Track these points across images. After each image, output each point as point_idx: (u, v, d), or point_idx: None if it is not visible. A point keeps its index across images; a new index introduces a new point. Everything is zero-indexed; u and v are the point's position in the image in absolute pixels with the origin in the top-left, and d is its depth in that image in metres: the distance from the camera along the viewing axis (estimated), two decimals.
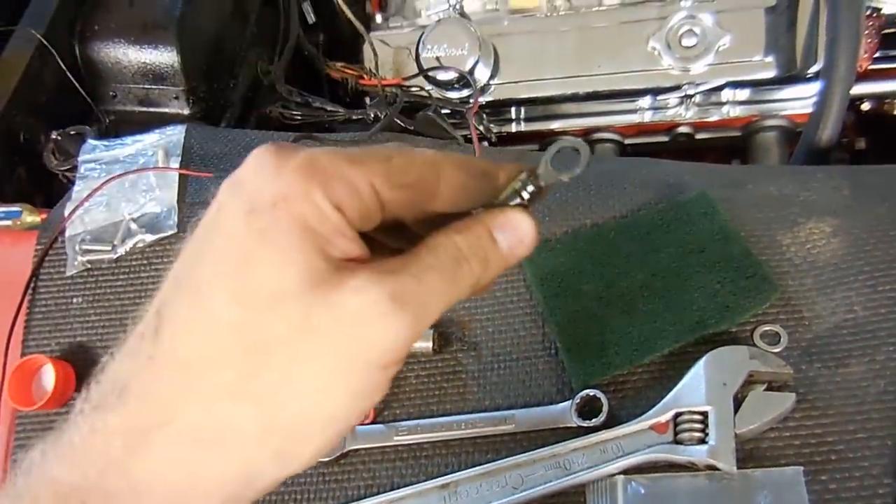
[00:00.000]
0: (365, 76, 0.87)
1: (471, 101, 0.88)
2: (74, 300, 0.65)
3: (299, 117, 0.88)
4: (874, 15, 0.77)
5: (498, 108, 0.95)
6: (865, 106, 0.90)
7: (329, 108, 0.88)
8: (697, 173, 0.58)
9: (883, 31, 0.78)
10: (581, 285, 0.53)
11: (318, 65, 0.92)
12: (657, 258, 0.53)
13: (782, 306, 0.49)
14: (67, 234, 0.67)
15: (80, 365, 0.63)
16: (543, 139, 0.97)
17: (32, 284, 0.66)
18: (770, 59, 0.80)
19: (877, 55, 0.79)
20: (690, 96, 0.86)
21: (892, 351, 0.45)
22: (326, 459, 0.54)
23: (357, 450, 0.54)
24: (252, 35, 0.92)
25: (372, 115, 0.86)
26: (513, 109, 0.97)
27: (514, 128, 0.97)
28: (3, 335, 0.64)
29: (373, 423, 0.54)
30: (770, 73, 0.82)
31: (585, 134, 0.94)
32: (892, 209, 0.51)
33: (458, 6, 0.90)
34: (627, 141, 0.94)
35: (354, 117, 0.87)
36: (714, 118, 0.88)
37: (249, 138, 0.76)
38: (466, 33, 0.83)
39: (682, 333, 0.49)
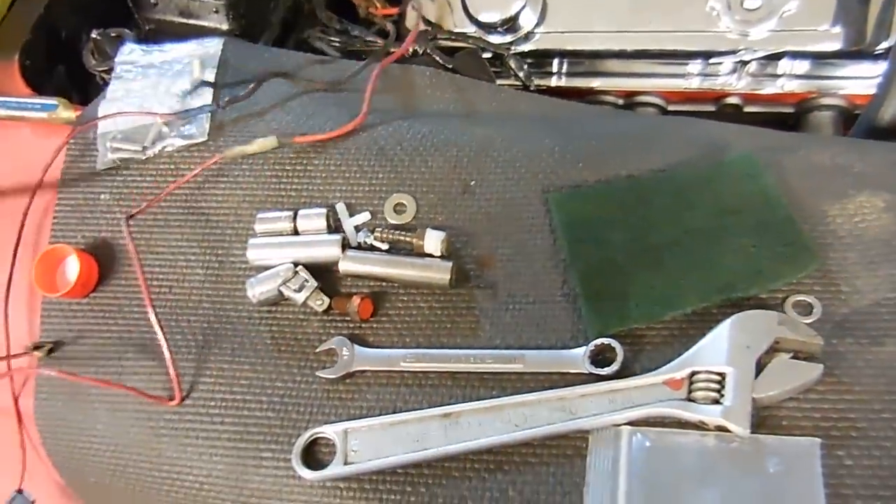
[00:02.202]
0: (377, 5, 0.82)
1: (513, 47, 0.84)
2: (102, 196, 0.64)
3: (337, 44, 0.84)
4: None
5: (540, 59, 0.91)
6: None
7: (368, 38, 0.84)
8: (745, 135, 0.55)
9: None
10: (608, 234, 0.50)
11: None
12: (691, 215, 0.49)
13: (819, 278, 0.46)
14: (100, 130, 0.66)
15: (104, 259, 0.62)
16: (583, 96, 0.92)
17: (62, 177, 0.65)
18: (837, 30, 0.74)
19: None
20: (745, 64, 0.80)
21: None
22: (332, 377, 0.53)
23: (363, 371, 0.53)
24: None
25: (411, 51, 0.82)
26: (555, 62, 0.92)
27: (553, 81, 0.92)
28: (35, 225, 0.64)
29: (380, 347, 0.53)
30: (835, 46, 0.76)
31: (627, 96, 0.89)
32: None
33: None
34: (670, 107, 0.89)
35: (392, 49, 0.83)
36: (767, 91, 0.83)
37: (284, 59, 0.73)
38: None
39: (707, 293, 0.46)
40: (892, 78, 0.62)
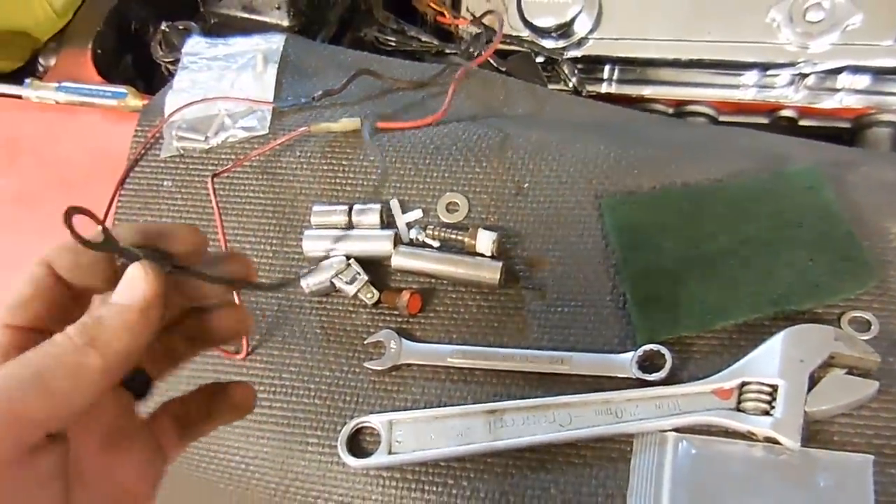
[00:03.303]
0: (446, 13, 0.84)
1: (566, 52, 0.85)
2: (165, 182, 0.67)
3: (393, 43, 0.87)
4: None
5: (591, 65, 0.91)
6: None
7: (423, 38, 0.86)
8: (805, 148, 0.55)
9: None
10: (662, 241, 0.51)
11: None
12: (748, 226, 0.50)
13: (878, 295, 0.45)
14: (167, 120, 0.69)
15: None
16: (632, 104, 0.92)
17: (129, 163, 0.68)
18: None
19: None
20: (803, 77, 0.80)
21: None
22: (379, 368, 0.54)
23: (410, 365, 0.54)
24: None
25: (472, 51, 0.84)
26: (606, 68, 0.92)
27: (604, 88, 0.92)
28: (102, 207, 0.67)
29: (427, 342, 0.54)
30: None
31: (677, 105, 0.89)
32: None
33: None
34: (722, 118, 0.88)
35: (447, 51, 0.85)
36: (825, 105, 0.82)
37: (343, 56, 0.75)
38: None
39: (761, 305, 0.46)
40: None
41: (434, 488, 0.48)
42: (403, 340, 0.55)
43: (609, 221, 0.53)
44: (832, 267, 0.46)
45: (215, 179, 0.65)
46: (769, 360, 0.43)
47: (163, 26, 0.78)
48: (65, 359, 0.26)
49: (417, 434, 0.50)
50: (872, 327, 0.44)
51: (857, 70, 0.77)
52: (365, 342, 0.56)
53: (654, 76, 0.89)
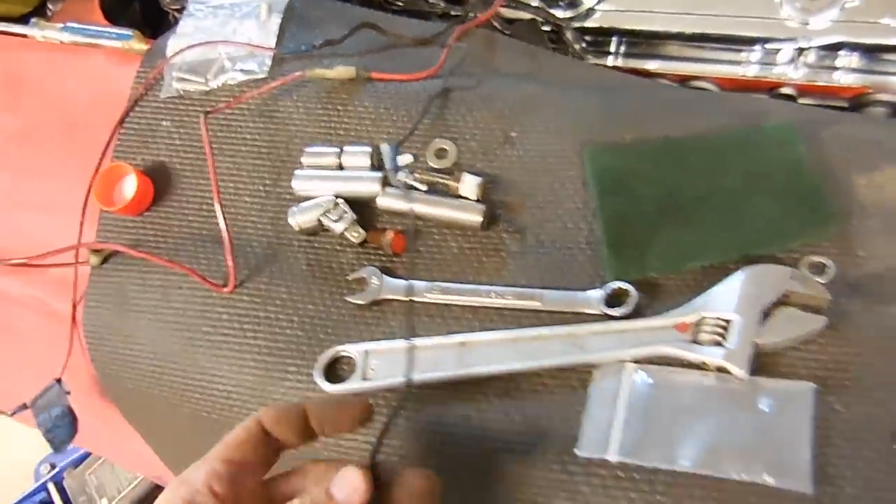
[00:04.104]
0: None
1: (573, 22, 0.89)
2: (164, 122, 0.73)
3: (401, 4, 0.91)
4: None
5: (599, 37, 0.95)
6: None
7: None
8: (787, 108, 0.59)
9: None
10: (639, 188, 0.55)
11: None
12: (722, 176, 0.54)
13: (839, 241, 0.50)
14: (169, 62, 0.74)
15: (160, 181, 0.71)
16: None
17: (130, 103, 0.73)
18: None
19: None
20: (802, 52, 0.83)
21: None
22: (360, 303, 0.59)
23: (389, 300, 0.59)
24: None
25: (471, 14, 0.88)
26: (614, 41, 0.96)
27: (610, 61, 0.97)
28: (102, 143, 0.72)
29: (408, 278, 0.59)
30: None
31: (681, 81, 0.93)
32: None
33: None
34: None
35: (453, 13, 0.89)
36: (822, 82, 0.85)
37: (349, 11, 0.80)
38: None
39: (727, 249, 0.51)
40: None
41: (402, 412, 0.53)
42: (385, 277, 0.60)
43: (590, 168, 0.57)
44: (797, 215, 0.51)
45: (211, 120, 0.70)
46: (727, 297, 0.48)
47: None
48: None
49: (391, 363, 0.55)
50: (828, 270, 0.48)
51: (855, 48, 0.81)
52: (348, 278, 0.61)
53: (659, 51, 0.93)
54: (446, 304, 0.57)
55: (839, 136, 0.55)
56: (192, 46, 0.73)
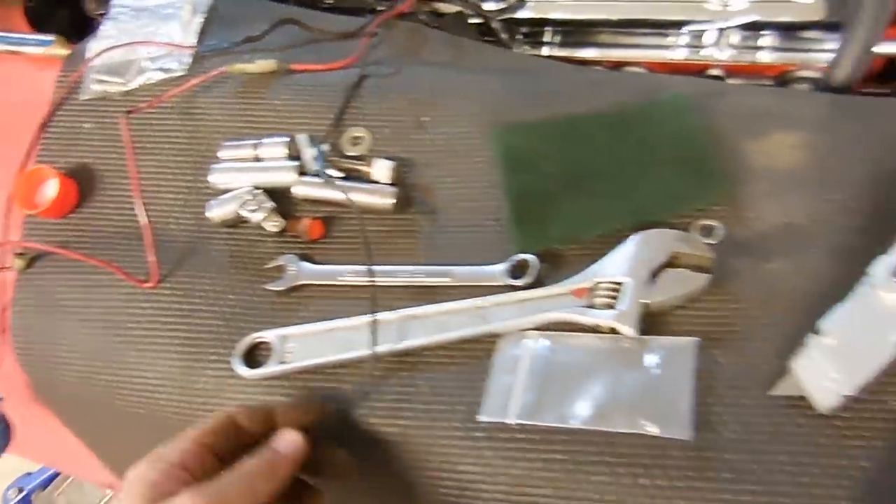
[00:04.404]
0: None
1: (506, 13, 0.92)
2: (85, 125, 0.74)
3: (331, 1, 0.94)
4: None
5: (535, 28, 0.98)
6: None
7: None
8: (685, 83, 0.62)
9: None
10: (542, 165, 0.58)
11: None
12: (620, 148, 0.57)
13: (729, 205, 0.53)
14: (89, 64, 0.76)
15: (84, 182, 0.73)
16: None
17: (51, 107, 0.75)
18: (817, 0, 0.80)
19: None
20: (722, 32, 0.87)
21: (815, 253, 0.48)
22: (278, 289, 0.61)
23: (308, 284, 0.61)
24: None
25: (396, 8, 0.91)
26: (549, 32, 0.99)
27: (545, 51, 1.00)
28: (23, 148, 0.74)
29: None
30: (815, 16, 0.82)
31: (615, 67, 0.96)
32: (862, 132, 0.53)
33: None
34: None
35: (379, 8, 0.92)
36: (747, 62, 0.89)
37: (276, 10, 0.82)
38: None
39: (623, 218, 0.53)
40: (844, 45, 0.68)
41: (320, 392, 0.55)
42: (302, 263, 0.62)
43: (496, 148, 0.60)
44: (689, 182, 0.53)
45: (133, 119, 0.72)
46: (620, 262, 0.50)
47: None
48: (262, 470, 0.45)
49: (307, 345, 0.57)
50: (717, 232, 0.51)
51: (777, 27, 0.85)
52: (265, 267, 0.63)
53: (591, 39, 0.97)
54: (362, 286, 0.59)
55: (731, 105, 0.58)
56: (112, 48, 0.75)
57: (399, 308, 0.56)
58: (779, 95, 0.58)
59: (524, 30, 0.97)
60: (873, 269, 0.44)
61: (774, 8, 0.84)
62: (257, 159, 0.67)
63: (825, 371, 0.42)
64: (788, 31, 0.86)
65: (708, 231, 0.51)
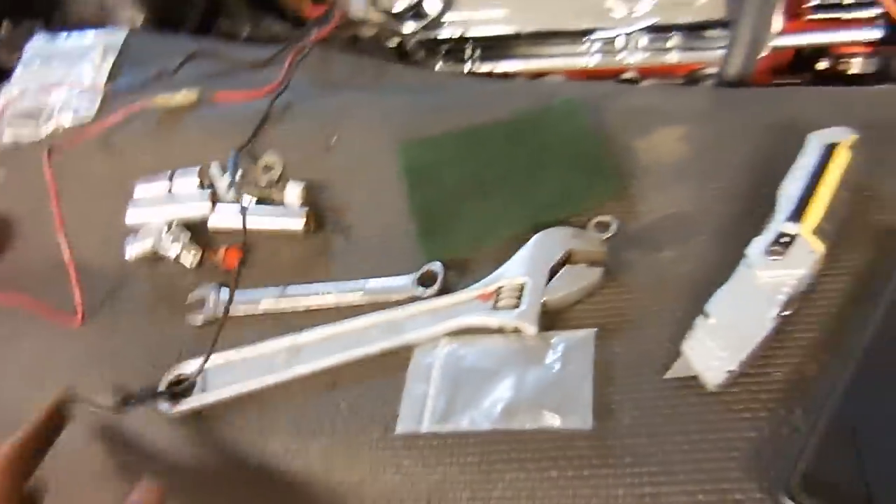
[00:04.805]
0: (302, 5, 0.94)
1: (424, 33, 0.94)
2: (1, 172, 0.74)
3: (248, 33, 0.95)
4: None
5: (456, 46, 1.01)
6: (822, 65, 0.93)
7: (276, 27, 0.95)
8: (578, 87, 0.64)
9: None
10: (444, 176, 0.60)
11: None
12: (517, 154, 0.59)
13: (622, 201, 0.55)
14: (3, 112, 0.76)
15: (3, 230, 0.72)
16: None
17: None
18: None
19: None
20: (631, 36, 0.90)
21: (702, 241, 0.50)
22: (198, 323, 0.61)
23: (229, 314, 0.61)
24: None
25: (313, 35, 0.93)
26: (469, 48, 1.02)
27: (466, 68, 1.02)
28: None
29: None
30: (714, 15, 0.86)
31: (535, 77, 0.99)
32: (743, 122, 0.56)
33: None
34: None
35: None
36: (657, 64, 0.92)
37: (186, 46, 0.83)
38: None
39: (523, 220, 0.55)
40: (733, 41, 0.71)
41: (243, 421, 0.55)
42: (222, 293, 0.62)
43: (401, 163, 0.62)
44: (583, 181, 0.56)
45: (54, 161, 0.72)
46: (520, 263, 0.52)
47: (3, 28, 0.85)
48: None
49: (227, 375, 0.57)
50: (611, 227, 0.53)
51: (682, 28, 0.88)
52: (186, 302, 0.63)
53: (510, 52, 0.99)
54: (280, 312, 0.60)
55: (622, 106, 0.60)
56: (24, 93, 0.75)
57: (315, 327, 0.57)
58: (664, 93, 0.60)
59: (446, 47, 1.00)
60: (749, 250, 0.46)
61: (674, 10, 0.87)
62: (171, 193, 0.67)
63: (712, 350, 0.43)
64: (693, 31, 0.90)
65: (604, 227, 0.53)
